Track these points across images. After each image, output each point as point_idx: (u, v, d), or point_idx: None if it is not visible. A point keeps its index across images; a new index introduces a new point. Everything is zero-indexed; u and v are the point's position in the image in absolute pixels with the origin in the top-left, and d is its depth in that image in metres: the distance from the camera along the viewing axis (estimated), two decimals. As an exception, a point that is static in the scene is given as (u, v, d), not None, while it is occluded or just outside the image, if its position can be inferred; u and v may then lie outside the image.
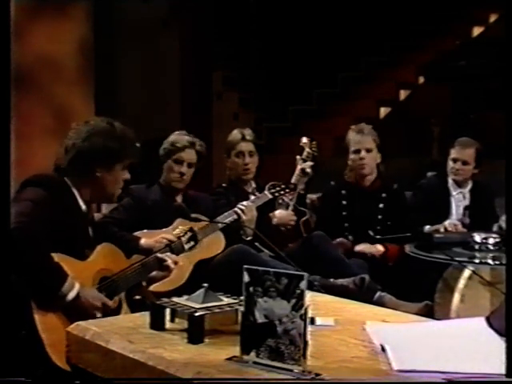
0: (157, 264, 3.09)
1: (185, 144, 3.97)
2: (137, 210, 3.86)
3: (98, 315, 2.76)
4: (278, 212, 4.34)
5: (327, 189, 4.73)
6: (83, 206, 2.99)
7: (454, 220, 4.71)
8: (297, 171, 4.48)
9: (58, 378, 2.45)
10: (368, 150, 4.55)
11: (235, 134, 4.42)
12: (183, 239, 3.31)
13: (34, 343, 2.62)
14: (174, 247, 3.27)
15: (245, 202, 4.01)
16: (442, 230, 4.59)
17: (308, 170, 4.46)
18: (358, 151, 4.56)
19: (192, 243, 3.34)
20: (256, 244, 4.02)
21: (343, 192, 4.61)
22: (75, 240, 2.89)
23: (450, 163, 4.80)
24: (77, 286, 2.74)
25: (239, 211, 3.93)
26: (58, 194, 2.88)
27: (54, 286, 2.70)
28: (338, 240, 4.41)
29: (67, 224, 2.86)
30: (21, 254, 2.63)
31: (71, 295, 2.71)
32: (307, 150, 4.54)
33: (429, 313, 3.80)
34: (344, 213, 4.55)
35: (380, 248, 4.42)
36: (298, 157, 4.52)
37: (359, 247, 4.41)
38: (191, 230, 3.40)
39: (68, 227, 2.86)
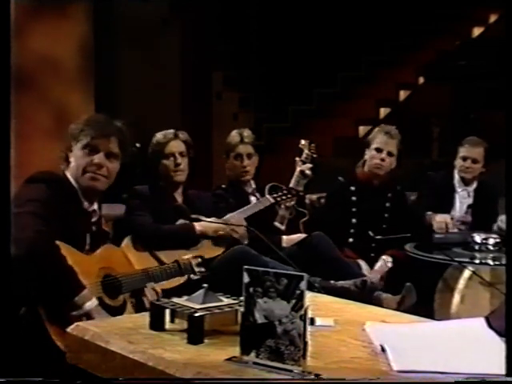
0: (163, 275, 3.12)
1: (169, 137, 3.99)
2: (146, 209, 3.87)
3: None
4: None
5: (336, 184, 4.71)
6: (85, 202, 3.00)
7: (447, 216, 4.71)
8: (296, 173, 4.47)
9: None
10: (390, 154, 4.52)
11: (233, 135, 4.42)
12: (193, 262, 3.30)
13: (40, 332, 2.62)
14: (184, 267, 3.27)
15: (235, 217, 3.96)
16: (437, 219, 4.61)
17: (307, 172, 4.46)
18: (380, 150, 4.52)
19: (203, 269, 3.33)
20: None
21: (352, 188, 4.59)
22: (76, 235, 2.91)
23: (460, 161, 4.86)
24: (94, 300, 2.74)
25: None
26: (60, 190, 2.91)
27: (68, 293, 2.70)
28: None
29: (69, 220, 2.88)
30: (41, 258, 2.65)
31: (88, 306, 2.71)
32: (306, 151, 4.54)
33: (428, 313, 3.80)
34: (353, 209, 4.55)
35: (389, 260, 4.37)
36: (297, 159, 4.52)
37: (374, 273, 4.31)
38: (201, 257, 3.38)
39: (69, 223, 2.87)
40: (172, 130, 4.05)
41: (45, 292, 2.66)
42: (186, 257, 3.31)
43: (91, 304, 2.72)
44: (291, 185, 4.43)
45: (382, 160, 4.51)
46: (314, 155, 4.55)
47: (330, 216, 4.55)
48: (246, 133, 4.43)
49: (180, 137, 4.02)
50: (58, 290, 2.69)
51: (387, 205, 4.58)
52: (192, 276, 3.26)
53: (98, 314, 2.74)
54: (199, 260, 3.29)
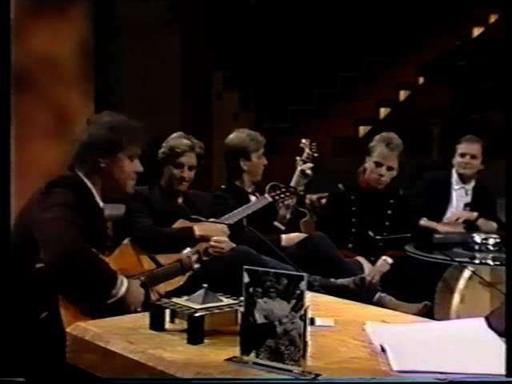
0: (164, 277, 3.13)
1: (184, 149, 3.92)
2: (145, 211, 3.87)
3: (139, 309, 2.82)
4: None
5: (335, 193, 4.61)
6: (100, 203, 3.03)
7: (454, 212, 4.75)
8: (297, 172, 4.46)
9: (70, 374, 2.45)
10: (389, 168, 4.42)
11: (254, 135, 4.37)
12: (193, 258, 3.29)
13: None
14: (185, 266, 3.27)
15: (218, 237, 3.82)
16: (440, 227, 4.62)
17: (308, 172, 4.44)
18: (379, 165, 4.42)
19: (199, 265, 3.32)
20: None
21: (352, 197, 4.49)
22: (97, 238, 2.93)
23: (458, 158, 4.91)
24: (125, 282, 2.81)
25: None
26: (81, 194, 2.94)
27: (107, 286, 2.76)
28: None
29: (91, 223, 2.90)
30: (81, 264, 2.71)
31: (122, 291, 2.77)
32: (307, 151, 4.53)
33: (428, 313, 3.80)
34: (353, 219, 4.46)
35: (389, 261, 4.34)
36: (297, 158, 4.51)
37: (375, 270, 4.26)
38: (198, 252, 3.38)
39: (91, 226, 2.90)
40: (189, 142, 3.95)
41: (84, 292, 2.70)
42: (186, 252, 3.29)
43: (125, 287, 2.79)
44: (292, 184, 4.42)
45: (382, 175, 4.42)
46: (315, 154, 4.54)
47: (330, 224, 4.49)
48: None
49: (196, 150, 3.95)
50: (99, 287, 2.75)
51: (389, 212, 4.49)
52: (189, 273, 3.25)
53: (131, 291, 2.81)
54: (197, 256, 3.29)
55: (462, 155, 4.90)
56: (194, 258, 3.26)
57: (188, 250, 3.27)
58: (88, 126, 3.05)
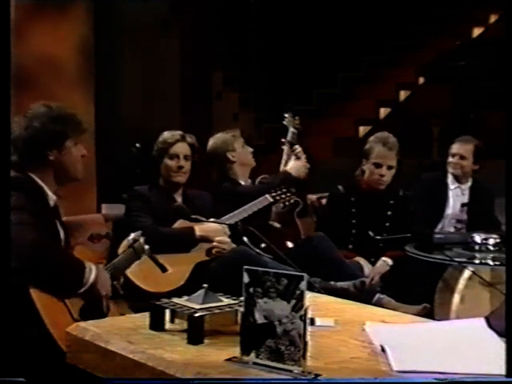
0: (122, 266, 3.12)
1: (176, 138, 3.98)
2: (145, 211, 3.86)
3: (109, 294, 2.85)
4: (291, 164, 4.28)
5: (334, 195, 4.57)
6: (54, 197, 2.98)
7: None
8: (284, 156, 4.38)
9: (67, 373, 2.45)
10: (389, 167, 4.38)
11: (230, 132, 4.44)
12: (141, 240, 3.26)
13: (44, 339, 2.63)
14: (137, 248, 3.24)
15: (221, 238, 3.85)
16: None
17: (300, 155, 4.38)
18: (379, 165, 4.38)
19: (148, 247, 3.28)
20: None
21: (352, 199, 4.46)
22: (55, 234, 2.93)
23: (449, 158, 4.91)
24: (94, 269, 2.80)
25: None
26: (32, 193, 2.89)
27: (77, 276, 2.76)
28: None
29: (48, 221, 2.90)
30: (39, 260, 2.69)
31: (92, 278, 2.77)
32: (291, 129, 4.40)
33: (427, 315, 3.79)
34: (353, 221, 4.43)
35: (389, 262, 4.32)
36: (282, 140, 4.41)
37: (374, 272, 4.25)
38: (144, 234, 3.33)
39: (48, 224, 2.89)
40: (180, 132, 4.03)
41: (56, 285, 2.71)
42: (130, 237, 3.23)
43: (94, 273, 2.79)
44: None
45: (383, 175, 4.38)
46: (300, 130, 4.38)
47: (330, 225, 4.46)
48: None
49: (187, 140, 4.00)
50: (69, 278, 2.76)
51: (389, 213, 4.46)
52: (143, 255, 3.21)
53: (100, 276, 2.82)
54: (144, 238, 3.24)
55: (453, 155, 4.90)
56: (142, 240, 3.22)
57: (132, 235, 3.21)
58: (25, 121, 2.95)
